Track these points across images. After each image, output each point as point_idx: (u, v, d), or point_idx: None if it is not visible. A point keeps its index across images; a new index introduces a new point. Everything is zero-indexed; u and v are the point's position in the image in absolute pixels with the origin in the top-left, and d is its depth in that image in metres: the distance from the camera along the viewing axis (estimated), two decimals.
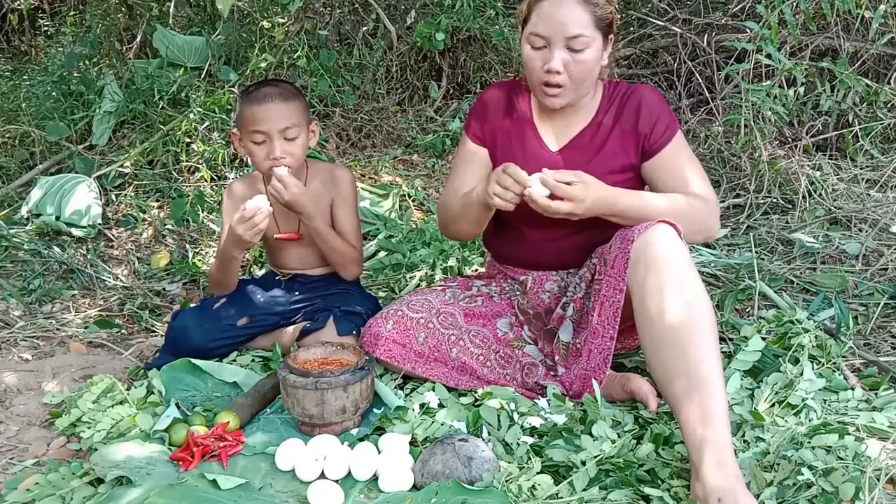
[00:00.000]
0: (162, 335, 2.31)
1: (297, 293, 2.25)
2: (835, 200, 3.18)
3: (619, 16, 1.91)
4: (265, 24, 3.85)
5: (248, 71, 3.72)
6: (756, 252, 2.78)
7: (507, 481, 1.55)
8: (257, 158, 2.11)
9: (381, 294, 2.61)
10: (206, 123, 3.54)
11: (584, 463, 1.56)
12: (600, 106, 1.97)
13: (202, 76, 3.80)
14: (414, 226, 3.14)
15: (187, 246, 3.06)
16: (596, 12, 1.82)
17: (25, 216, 3.21)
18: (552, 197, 1.73)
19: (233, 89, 3.64)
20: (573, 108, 1.96)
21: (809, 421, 1.72)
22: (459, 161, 2.08)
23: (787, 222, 3.09)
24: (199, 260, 2.94)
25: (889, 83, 3.51)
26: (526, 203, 1.76)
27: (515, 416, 1.80)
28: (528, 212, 1.79)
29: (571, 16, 1.80)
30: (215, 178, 3.45)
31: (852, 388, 1.86)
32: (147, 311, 2.56)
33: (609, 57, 1.92)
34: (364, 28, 4.32)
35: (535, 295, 2.06)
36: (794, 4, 3.16)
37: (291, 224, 2.22)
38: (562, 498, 1.51)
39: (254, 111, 2.06)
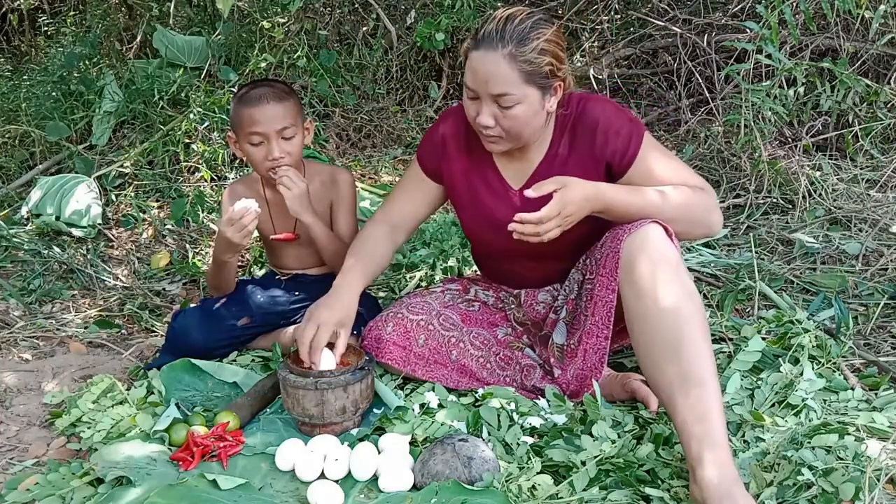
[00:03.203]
0: (162, 335, 2.31)
1: (297, 293, 2.25)
2: (835, 200, 3.17)
3: (565, 66, 1.74)
4: (265, 24, 3.85)
5: (248, 71, 3.72)
6: (756, 252, 2.78)
7: (507, 481, 1.55)
8: (255, 160, 2.10)
9: (381, 294, 2.61)
10: (206, 123, 3.54)
11: (584, 463, 1.56)
12: (553, 137, 1.88)
13: (202, 76, 3.80)
14: None
15: (187, 246, 3.06)
16: (525, 69, 1.67)
17: (25, 216, 3.20)
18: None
19: (232, 89, 3.64)
20: (526, 146, 1.87)
21: (809, 421, 1.72)
22: (405, 184, 2.03)
23: (787, 222, 3.09)
24: (199, 260, 2.94)
25: (889, 83, 3.51)
26: (509, 244, 1.75)
27: (515, 417, 1.80)
28: (511, 250, 1.76)
29: (495, 74, 1.67)
30: (215, 178, 3.45)
31: (852, 388, 1.86)
32: (147, 311, 2.56)
33: (563, 96, 1.78)
34: (364, 28, 4.32)
35: (529, 307, 2.07)
36: (794, 4, 3.16)
37: (288, 225, 2.22)
38: (562, 498, 1.51)
39: (250, 113, 2.05)
